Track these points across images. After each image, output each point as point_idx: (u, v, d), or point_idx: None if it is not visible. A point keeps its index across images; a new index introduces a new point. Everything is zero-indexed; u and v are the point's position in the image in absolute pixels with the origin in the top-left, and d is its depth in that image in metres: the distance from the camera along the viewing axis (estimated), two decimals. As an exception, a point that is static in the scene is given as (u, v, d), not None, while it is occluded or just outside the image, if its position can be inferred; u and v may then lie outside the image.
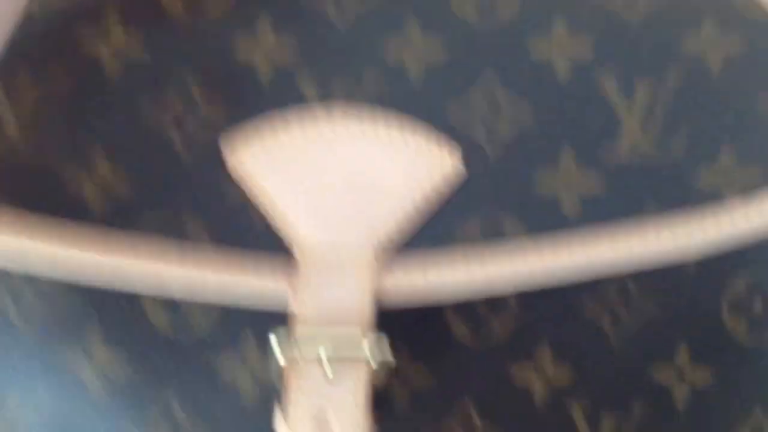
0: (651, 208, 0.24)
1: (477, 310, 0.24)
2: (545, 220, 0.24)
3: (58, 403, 0.24)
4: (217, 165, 0.24)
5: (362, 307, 0.22)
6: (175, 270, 0.22)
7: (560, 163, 0.24)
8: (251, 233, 0.23)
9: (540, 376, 0.24)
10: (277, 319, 0.23)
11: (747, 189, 0.24)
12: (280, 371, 0.22)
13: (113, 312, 0.24)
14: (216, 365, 0.24)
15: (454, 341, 0.24)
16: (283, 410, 0.22)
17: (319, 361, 0.22)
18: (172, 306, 0.23)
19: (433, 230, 0.24)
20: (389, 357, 0.22)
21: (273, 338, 0.22)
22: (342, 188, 0.23)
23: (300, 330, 0.22)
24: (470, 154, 0.24)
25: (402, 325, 0.23)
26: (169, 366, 0.24)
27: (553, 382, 0.24)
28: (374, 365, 0.22)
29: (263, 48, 0.25)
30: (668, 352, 0.24)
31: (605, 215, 0.24)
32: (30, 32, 0.25)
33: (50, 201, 0.24)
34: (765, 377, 0.25)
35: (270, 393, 0.24)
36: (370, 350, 0.22)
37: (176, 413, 0.24)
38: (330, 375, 0.22)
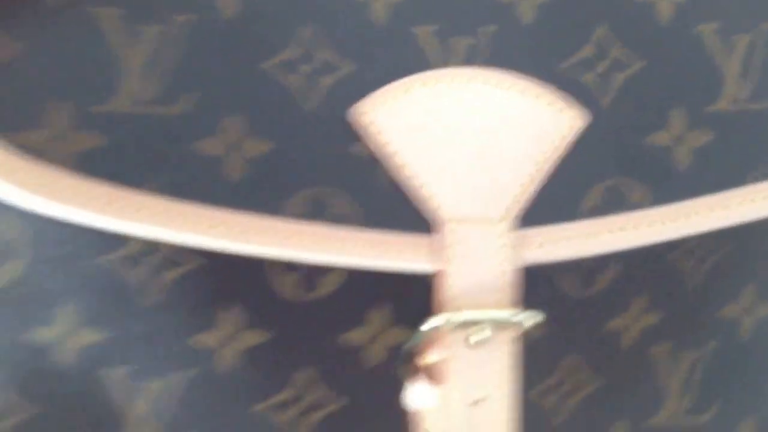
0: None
1: (584, 268, 0.26)
2: (660, 180, 0.25)
3: (186, 372, 0.25)
4: (345, 126, 0.23)
5: (508, 281, 0.24)
6: (317, 240, 0.23)
7: (671, 120, 0.26)
8: (385, 201, 0.24)
9: (632, 323, 0.27)
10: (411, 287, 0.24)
11: None
12: (420, 341, 0.24)
13: (246, 287, 0.24)
14: (341, 330, 0.25)
15: (561, 297, 0.26)
16: (429, 377, 0.24)
17: (467, 331, 0.23)
18: (302, 273, 0.24)
19: (558, 194, 0.25)
20: (536, 322, 0.24)
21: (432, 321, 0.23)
22: (474, 155, 0.24)
23: (449, 303, 0.24)
24: (585, 110, 0.25)
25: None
26: (298, 332, 0.25)
27: (644, 326, 0.27)
28: (520, 332, 0.24)
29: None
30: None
31: (714, 167, 0.26)
32: None
33: (187, 171, 0.23)
34: None
35: (393, 360, 0.25)
36: (518, 321, 0.24)
37: (298, 375, 0.25)
38: (481, 342, 0.24)
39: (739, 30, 0.26)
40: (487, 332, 0.24)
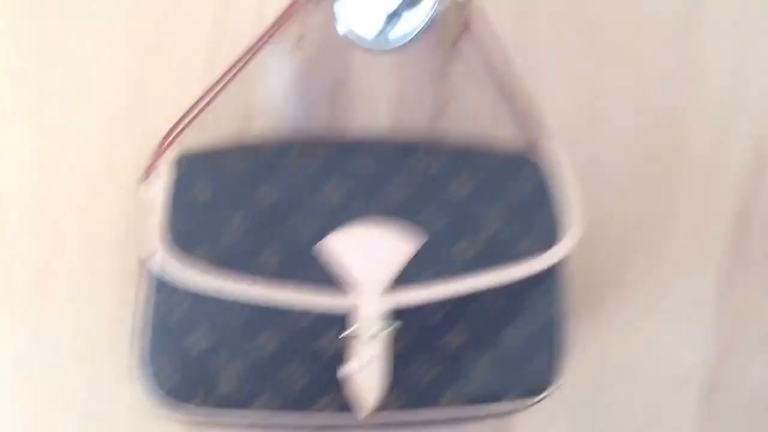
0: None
1: (427, 306, 0.58)
2: (456, 269, 0.58)
3: None
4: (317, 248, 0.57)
5: (384, 312, 0.56)
6: (296, 296, 0.56)
7: (461, 243, 0.58)
8: (329, 280, 0.56)
9: (456, 336, 0.59)
10: (344, 315, 0.56)
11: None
12: (349, 338, 0.56)
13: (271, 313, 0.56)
14: (317, 338, 0.57)
15: (415, 321, 0.58)
16: (350, 357, 0.56)
17: (366, 333, 0.56)
18: (300, 312, 0.56)
19: (408, 275, 0.57)
20: (394, 329, 0.57)
21: (351, 328, 0.56)
22: (366, 259, 0.56)
23: (360, 321, 0.56)
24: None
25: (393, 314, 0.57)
26: (299, 336, 0.57)
27: (460, 339, 0.59)
28: (389, 334, 0.56)
29: (330, 200, 0.58)
30: None
31: (482, 263, 0.58)
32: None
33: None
34: None
35: (342, 350, 0.57)
36: (391, 330, 0.56)
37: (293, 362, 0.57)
38: (371, 338, 0.56)
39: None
40: (374, 333, 0.56)
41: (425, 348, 0.58)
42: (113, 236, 0.64)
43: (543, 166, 0.61)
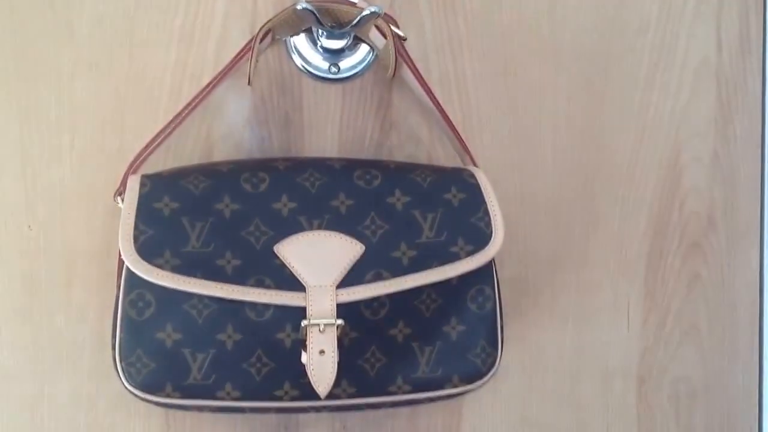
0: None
1: (373, 302, 0.65)
2: (396, 269, 0.65)
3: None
4: (273, 252, 0.64)
5: (333, 308, 0.63)
6: (254, 294, 0.62)
7: (400, 247, 0.66)
8: (288, 281, 0.63)
9: (399, 332, 0.65)
10: (299, 310, 0.63)
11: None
12: (303, 331, 0.63)
13: (232, 310, 0.63)
14: (275, 332, 0.64)
15: (362, 316, 0.65)
16: (305, 348, 0.63)
17: (319, 326, 0.62)
18: (259, 308, 0.63)
19: (354, 275, 0.63)
20: (342, 323, 0.63)
21: (303, 322, 0.62)
22: (320, 263, 0.63)
23: (312, 316, 0.62)
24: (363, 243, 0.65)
25: (341, 310, 0.64)
26: (258, 330, 0.63)
27: (404, 333, 0.65)
28: (338, 327, 0.62)
29: (283, 212, 0.65)
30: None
31: (419, 264, 0.65)
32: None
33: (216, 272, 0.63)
34: None
35: (297, 341, 0.63)
36: (338, 323, 0.61)
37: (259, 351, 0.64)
38: (322, 331, 0.63)
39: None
40: (323, 328, 0.62)
41: (373, 342, 0.65)
42: (94, 246, 0.71)
43: (471, 182, 0.69)
